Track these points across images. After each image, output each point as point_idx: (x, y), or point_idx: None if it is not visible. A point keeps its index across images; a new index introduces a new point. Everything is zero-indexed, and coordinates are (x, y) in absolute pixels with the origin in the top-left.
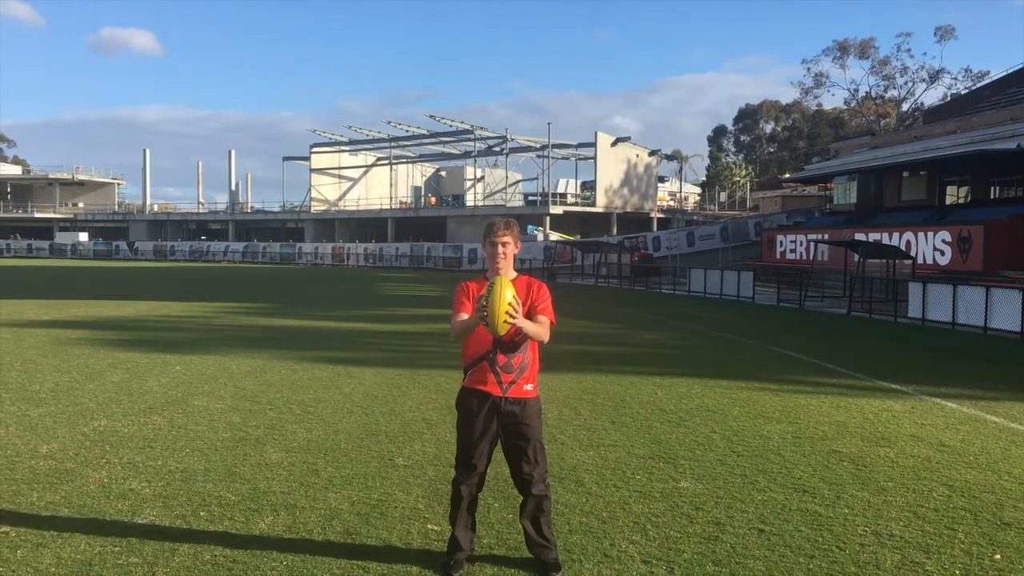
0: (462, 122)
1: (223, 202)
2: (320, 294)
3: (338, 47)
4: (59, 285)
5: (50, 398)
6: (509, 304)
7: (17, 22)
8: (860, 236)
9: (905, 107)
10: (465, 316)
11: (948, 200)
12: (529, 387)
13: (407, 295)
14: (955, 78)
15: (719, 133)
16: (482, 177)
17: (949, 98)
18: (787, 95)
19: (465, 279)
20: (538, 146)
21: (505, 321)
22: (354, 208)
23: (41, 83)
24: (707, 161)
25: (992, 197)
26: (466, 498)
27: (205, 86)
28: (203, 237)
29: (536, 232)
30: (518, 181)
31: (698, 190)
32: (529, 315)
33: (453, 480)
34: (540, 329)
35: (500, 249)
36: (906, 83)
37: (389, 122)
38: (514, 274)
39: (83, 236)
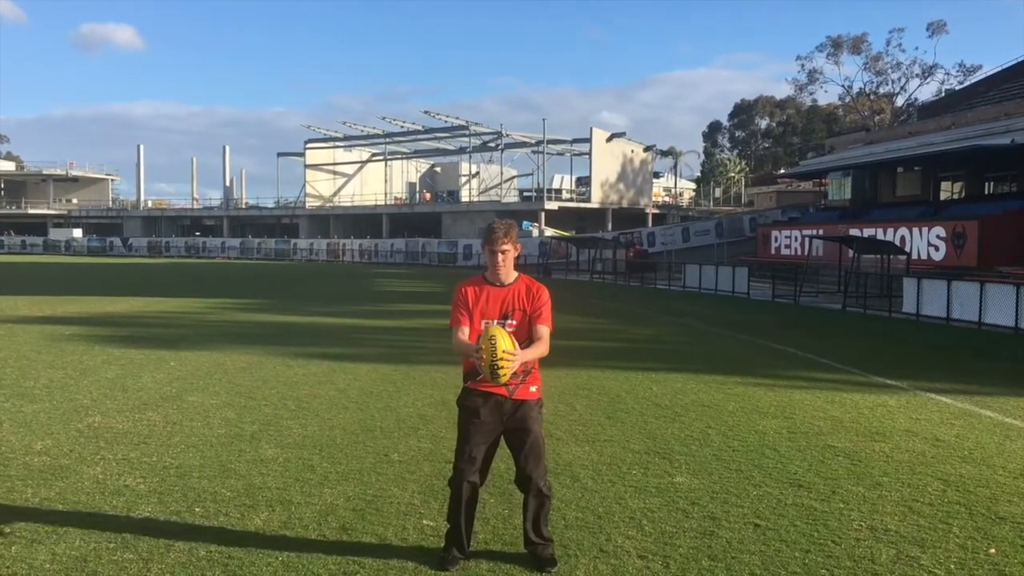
0: (457, 118)
1: (217, 198)
2: (315, 290)
3: (328, 41)
4: (53, 281)
5: (44, 394)
6: (504, 354)
7: None
8: (855, 232)
9: (899, 102)
10: (465, 336)
11: (943, 195)
12: (533, 388)
13: (402, 291)
14: (948, 73)
15: (714, 129)
16: (477, 173)
17: (943, 93)
18: (778, 91)
19: (463, 277)
20: (533, 142)
21: (504, 371)
22: (349, 204)
23: (30, 79)
24: (702, 157)
25: (986, 192)
26: (466, 495)
27: (193, 81)
28: (198, 233)
29: (531, 228)
30: (513, 177)
31: (693, 186)
32: (527, 323)
33: (452, 478)
34: (540, 350)
35: (500, 258)
36: (899, 78)
37: (384, 118)
38: (514, 275)
39: (77, 232)
